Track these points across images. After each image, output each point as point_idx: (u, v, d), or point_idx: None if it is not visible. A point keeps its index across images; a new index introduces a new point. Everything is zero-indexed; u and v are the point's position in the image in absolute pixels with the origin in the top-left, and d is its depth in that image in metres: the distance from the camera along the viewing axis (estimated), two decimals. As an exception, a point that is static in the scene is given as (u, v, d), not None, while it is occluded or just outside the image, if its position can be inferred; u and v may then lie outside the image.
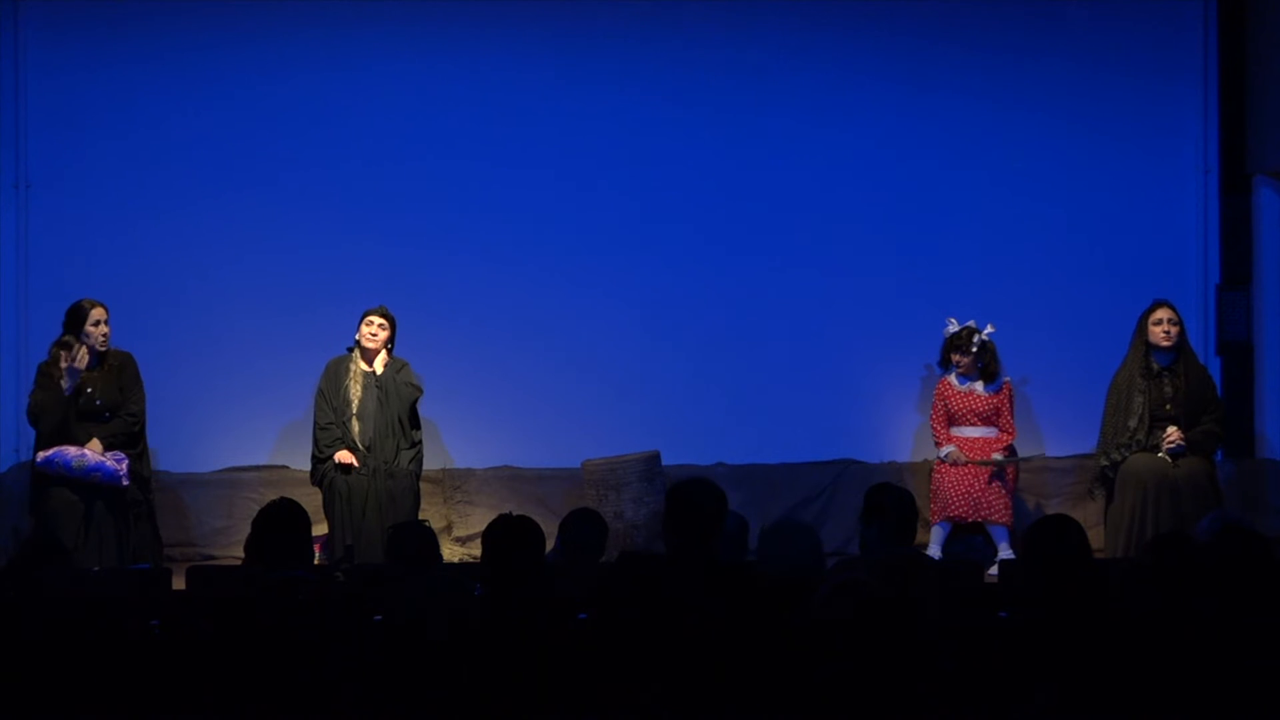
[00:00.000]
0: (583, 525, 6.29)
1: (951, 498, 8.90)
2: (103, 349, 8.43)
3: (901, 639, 4.40)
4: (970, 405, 9.10)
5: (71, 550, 7.17)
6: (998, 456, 9.02)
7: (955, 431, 9.11)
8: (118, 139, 9.50)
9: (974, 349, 9.08)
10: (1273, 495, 9.37)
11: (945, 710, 4.34)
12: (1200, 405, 8.64)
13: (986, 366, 9.12)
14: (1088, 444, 9.10)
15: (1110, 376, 8.80)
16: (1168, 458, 8.54)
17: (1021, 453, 9.22)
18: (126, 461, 8.32)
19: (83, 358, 8.32)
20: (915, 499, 5.93)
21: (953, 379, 9.16)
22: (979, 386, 9.14)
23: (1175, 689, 4.45)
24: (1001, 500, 8.93)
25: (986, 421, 9.11)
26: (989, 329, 9.15)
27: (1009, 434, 9.12)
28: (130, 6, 9.51)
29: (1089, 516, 8.86)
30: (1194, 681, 4.46)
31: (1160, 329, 8.64)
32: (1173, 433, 8.54)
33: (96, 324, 8.41)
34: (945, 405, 9.13)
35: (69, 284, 8.92)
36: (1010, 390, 9.18)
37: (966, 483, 8.91)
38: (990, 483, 8.94)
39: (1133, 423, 8.58)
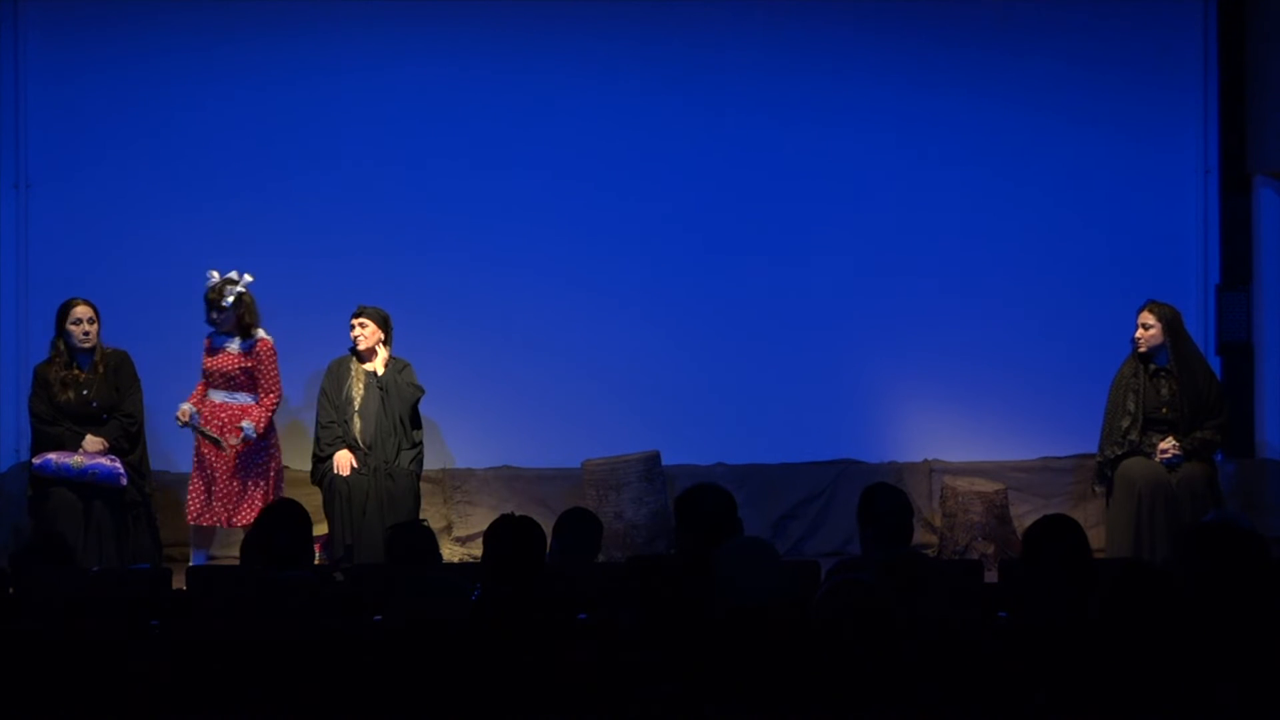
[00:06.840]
0: (578, 525, 6.28)
1: None
2: (87, 347, 8.37)
3: (901, 639, 4.40)
4: (221, 366, 8.60)
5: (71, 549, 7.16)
6: (247, 426, 8.45)
7: (211, 395, 8.62)
8: (118, 139, 9.50)
9: (227, 303, 8.49)
10: (1273, 495, 9.36)
11: (945, 710, 4.34)
12: (1203, 409, 8.43)
13: (240, 320, 8.55)
14: (1088, 444, 9.08)
15: (1110, 376, 8.78)
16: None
17: (1022, 453, 9.19)
18: (120, 463, 8.31)
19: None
20: (911, 499, 5.93)
21: (214, 337, 8.65)
22: (235, 345, 8.61)
23: (1175, 688, 4.45)
24: None
25: (238, 386, 8.60)
26: (246, 278, 8.60)
27: (271, 395, 8.59)
28: (130, 7, 9.51)
29: (1089, 516, 8.87)
30: (1193, 681, 4.46)
31: (1136, 334, 8.45)
32: (1169, 447, 8.34)
33: (78, 322, 8.35)
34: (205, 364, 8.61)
35: (69, 284, 8.91)
36: (268, 348, 8.59)
37: None
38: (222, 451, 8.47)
39: (1124, 423, 8.46)
